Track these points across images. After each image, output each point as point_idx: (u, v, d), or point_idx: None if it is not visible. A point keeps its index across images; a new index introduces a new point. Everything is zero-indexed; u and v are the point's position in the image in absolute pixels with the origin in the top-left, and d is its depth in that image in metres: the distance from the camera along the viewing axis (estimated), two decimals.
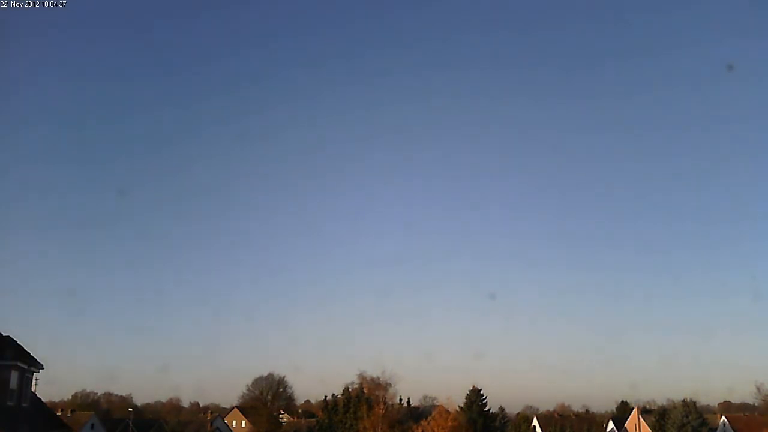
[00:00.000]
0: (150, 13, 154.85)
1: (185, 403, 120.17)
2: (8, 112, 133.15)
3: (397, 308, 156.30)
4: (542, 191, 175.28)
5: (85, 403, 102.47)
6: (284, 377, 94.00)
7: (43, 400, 37.75)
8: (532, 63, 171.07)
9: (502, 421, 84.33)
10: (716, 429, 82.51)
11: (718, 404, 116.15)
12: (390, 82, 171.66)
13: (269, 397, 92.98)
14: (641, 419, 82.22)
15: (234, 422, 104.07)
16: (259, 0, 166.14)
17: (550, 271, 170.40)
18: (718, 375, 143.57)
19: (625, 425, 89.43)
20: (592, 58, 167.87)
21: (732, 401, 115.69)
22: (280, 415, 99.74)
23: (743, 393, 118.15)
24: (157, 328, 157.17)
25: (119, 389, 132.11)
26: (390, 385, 65.89)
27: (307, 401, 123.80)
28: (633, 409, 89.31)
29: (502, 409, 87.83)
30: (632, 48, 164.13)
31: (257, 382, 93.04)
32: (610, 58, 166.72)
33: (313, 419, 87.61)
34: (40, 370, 30.96)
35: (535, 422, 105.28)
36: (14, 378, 27.59)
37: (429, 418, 59.80)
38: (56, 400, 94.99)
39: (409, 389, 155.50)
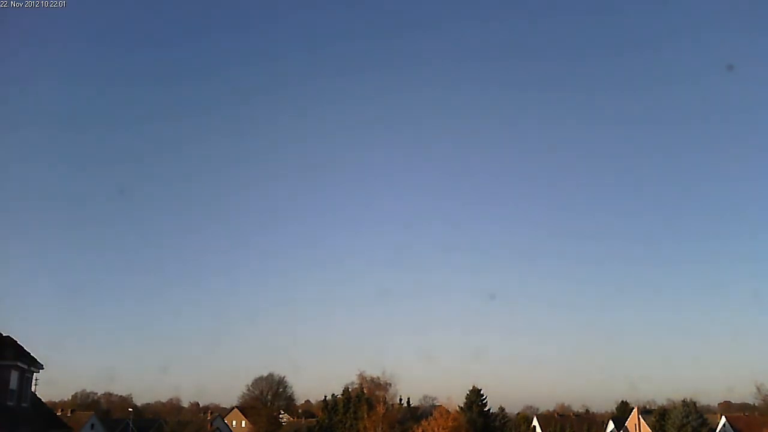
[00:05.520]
0: (149, 11, 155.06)
1: (185, 403, 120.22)
2: (8, 111, 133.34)
3: (397, 308, 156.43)
4: (542, 190, 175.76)
5: (85, 403, 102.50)
6: (284, 377, 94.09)
7: (43, 400, 37.70)
8: (532, 57, 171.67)
9: (502, 421, 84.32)
10: (716, 429, 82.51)
11: (718, 404, 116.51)
12: (389, 77, 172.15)
13: (269, 397, 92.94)
14: (641, 419, 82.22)
15: (234, 422, 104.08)
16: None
17: (550, 271, 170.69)
18: (718, 375, 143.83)
19: (625, 425, 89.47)
20: (593, 54, 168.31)
21: (732, 401, 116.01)
22: (280, 415, 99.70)
23: (743, 393, 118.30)
24: (157, 328, 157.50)
25: (119, 389, 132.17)
26: (390, 385, 65.94)
27: (307, 401, 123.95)
28: (633, 409, 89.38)
29: (502, 409, 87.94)
30: (633, 45, 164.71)
31: (257, 382, 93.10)
32: (611, 55, 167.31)
33: (313, 419, 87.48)
34: (40, 370, 30.94)
35: (535, 422, 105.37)
36: (14, 378, 27.58)
37: (429, 418, 59.75)
38: (56, 400, 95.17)
39: (409, 389, 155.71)
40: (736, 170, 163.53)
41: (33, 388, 31.41)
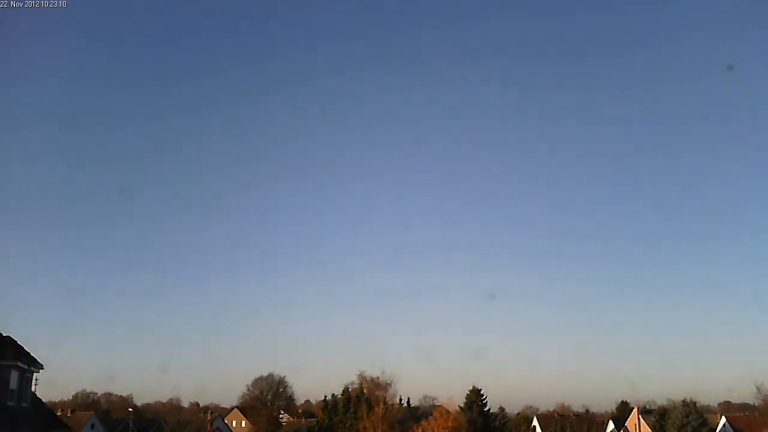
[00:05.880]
0: (149, 11, 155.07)
1: (185, 403, 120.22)
2: (9, 112, 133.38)
3: (397, 308, 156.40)
4: (542, 190, 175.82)
5: (85, 403, 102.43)
6: (284, 377, 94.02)
7: (43, 400, 37.66)
8: (532, 57, 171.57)
9: (502, 421, 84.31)
10: (716, 429, 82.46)
11: (718, 404, 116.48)
12: (389, 77, 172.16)
13: (269, 397, 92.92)
14: (641, 419, 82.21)
15: (234, 422, 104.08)
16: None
17: (550, 271, 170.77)
18: (718, 375, 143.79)
19: (625, 425, 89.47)
20: (593, 54, 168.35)
21: (732, 401, 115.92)
22: (280, 415, 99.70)
23: (743, 393, 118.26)
24: (157, 329, 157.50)
25: (119, 389, 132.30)
26: (390, 385, 65.93)
27: (307, 401, 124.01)
28: (633, 409, 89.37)
29: (502, 409, 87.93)
30: (633, 45, 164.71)
31: (257, 382, 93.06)
32: (611, 55, 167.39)
33: (313, 419, 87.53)
34: (40, 370, 30.93)
35: (535, 422, 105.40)
36: (14, 378, 27.57)
37: (429, 418, 59.73)
38: (56, 400, 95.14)
39: (409, 389, 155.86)
40: (736, 170, 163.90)
41: (33, 388, 31.39)
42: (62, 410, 77.33)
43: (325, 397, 73.95)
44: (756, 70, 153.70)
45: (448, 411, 61.52)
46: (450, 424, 57.09)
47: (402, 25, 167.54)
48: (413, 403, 75.87)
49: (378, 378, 65.95)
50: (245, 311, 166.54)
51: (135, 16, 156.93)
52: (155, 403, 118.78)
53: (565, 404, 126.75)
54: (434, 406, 68.36)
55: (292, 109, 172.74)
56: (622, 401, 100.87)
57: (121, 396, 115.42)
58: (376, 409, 61.35)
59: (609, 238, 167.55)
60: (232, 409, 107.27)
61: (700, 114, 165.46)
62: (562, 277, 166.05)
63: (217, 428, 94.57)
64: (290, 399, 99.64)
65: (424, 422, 59.28)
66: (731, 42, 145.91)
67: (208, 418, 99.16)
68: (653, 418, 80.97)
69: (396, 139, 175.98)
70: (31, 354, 29.56)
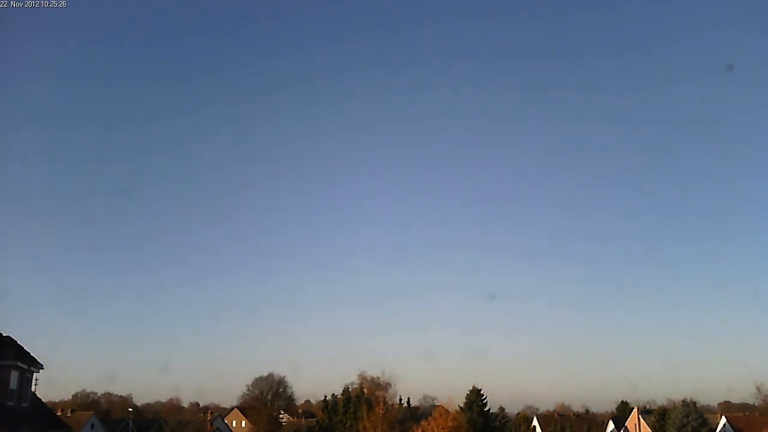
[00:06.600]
0: (149, 11, 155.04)
1: (185, 403, 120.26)
2: (9, 112, 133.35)
3: (397, 308, 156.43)
4: (542, 190, 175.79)
5: (85, 403, 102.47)
6: (284, 377, 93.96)
7: (43, 400, 37.65)
8: (532, 57, 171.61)
9: (502, 421, 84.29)
10: (716, 429, 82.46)
11: (718, 404, 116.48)
12: (389, 77, 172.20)
13: (269, 397, 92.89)
14: (641, 419, 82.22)
15: (234, 422, 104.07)
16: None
17: (550, 271, 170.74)
18: (718, 375, 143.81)
19: (625, 425, 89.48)
20: (593, 54, 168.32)
21: (732, 401, 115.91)
22: (280, 415, 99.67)
23: (743, 393, 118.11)
24: (157, 328, 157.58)
25: (119, 389, 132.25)
26: (390, 385, 65.85)
27: (307, 401, 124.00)
28: (633, 409, 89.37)
29: (502, 409, 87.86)
30: (633, 45, 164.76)
31: (257, 382, 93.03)
32: (611, 55, 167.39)
33: (313, 419, 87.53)
34: (40, 370, 30.94)
35: (535, 422, 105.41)
36: (14, 378, 27.58)
37: (429, 418, 59.68)
38: (56, 400, 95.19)
39: (409, 389, 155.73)
40: (736, 170, 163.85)
41: (33, 388, 31.39)
42: (62, 410, 77.35)
43: (325, 397, 74.04)
44: (756, 70, 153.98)
45: (448, 411, 61.46)
46: (450, 424, 57.02)
47: (402, 25, 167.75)
48: (413, 403, 75.98)
49: (378, 378, 65.96)
50: (245, 311, 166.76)
51: (135, 16, 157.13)
52: (155, 403, 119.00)
53: (565, 404, 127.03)
54: (434, 406, 68.28)
55: (292, 109, 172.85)
56: (622, 401, 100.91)
57: (121, 396, 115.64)
58: (376, 409, 61.32)
59: (609, 238, 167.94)
60: (232, 409, 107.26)
61: (700, 114, 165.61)
62: (562, 277, 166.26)
63: (217, 428, 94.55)
64: (290, 399, 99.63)
65: (424, 422, 59.21)
66: (731, 42, 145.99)
67: (208, 418, 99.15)
68: (653, 418, 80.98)
69: (396, 139, 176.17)
70: (31, 354, 29.57)
